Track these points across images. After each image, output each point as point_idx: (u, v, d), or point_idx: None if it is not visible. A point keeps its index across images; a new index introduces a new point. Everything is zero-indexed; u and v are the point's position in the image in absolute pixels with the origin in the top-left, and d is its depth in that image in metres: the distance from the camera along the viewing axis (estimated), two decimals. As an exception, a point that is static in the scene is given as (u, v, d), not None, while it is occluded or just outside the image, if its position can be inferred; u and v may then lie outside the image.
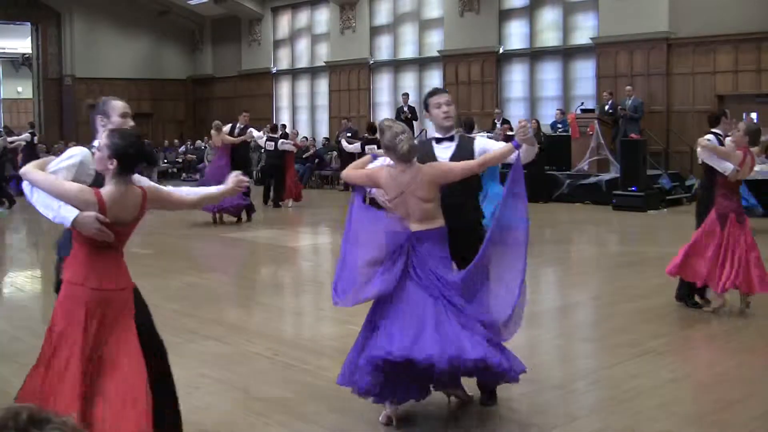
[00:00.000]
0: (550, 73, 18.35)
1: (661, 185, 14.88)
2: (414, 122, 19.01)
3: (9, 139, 17.94)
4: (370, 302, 4.15)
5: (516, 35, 18.80)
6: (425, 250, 4.02)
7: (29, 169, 3.30)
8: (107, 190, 3.26)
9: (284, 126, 23.45)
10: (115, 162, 3.23)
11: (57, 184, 3.25)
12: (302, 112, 24.45)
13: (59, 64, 25.34)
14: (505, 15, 18.89)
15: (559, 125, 16.75)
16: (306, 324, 6.92)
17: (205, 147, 22.28)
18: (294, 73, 24.47)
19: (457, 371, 3.92)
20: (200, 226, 13.79)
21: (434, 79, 20.46)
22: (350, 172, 4.30)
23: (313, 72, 23.82)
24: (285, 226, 13.65)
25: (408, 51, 21.20)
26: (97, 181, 3.38)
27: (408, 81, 21.15)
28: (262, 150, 17.25)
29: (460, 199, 4.32)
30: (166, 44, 26.90)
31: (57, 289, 3.41)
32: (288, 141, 16.21)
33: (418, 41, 20.90)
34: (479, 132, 16.87)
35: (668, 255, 10.11)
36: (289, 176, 15.73)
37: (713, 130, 6.80)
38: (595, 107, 16.11)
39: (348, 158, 19.29)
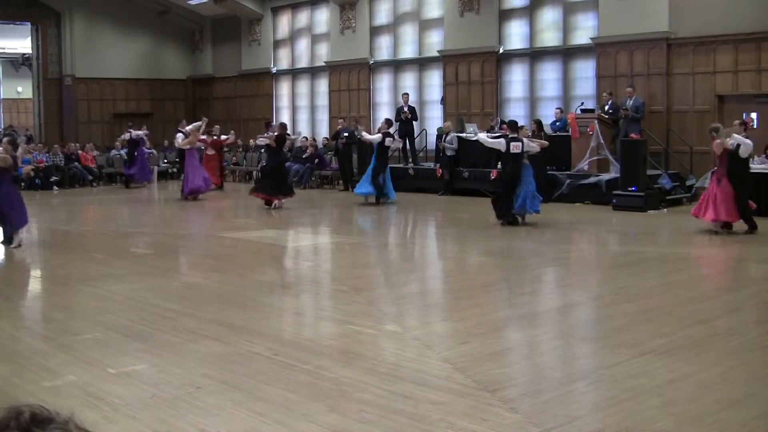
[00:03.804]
0: (550, 73, 18.35)
1: (661, 185, 14.87)
2: (414, 122, 19.04)
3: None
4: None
5: (516, 35, 18.80)
6: None
7: None
8: None
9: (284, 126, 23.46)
10: None
11: None
12: (302, 112, 24.45)
13: (59, 64, 25.33)
14: (505, 15, 18.89)
15: (558, 123, 16.77)
16: (306, 324, 6.92)
17: (204, 147, 22.27)
18: (294, 73, 24.47)
19: None
20: (199, 225, 13.80)
21: (434, 79, 20.48)
22: None
23: (313, 72, 23.83)
24: (285, 226, 13.65)
25: (408, 51, 21.20)
26: None
27: (408, 81, 21.14)
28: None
29: None
30: (166, 44, 26.90)
31: None
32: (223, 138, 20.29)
33: (418, 41, 20.90)
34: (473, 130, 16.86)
35: (668, 255, 10.16)
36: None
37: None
38: (595, 107, 16.11)
39: (345, 158, 19.32)
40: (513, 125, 12.71)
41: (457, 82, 19.59)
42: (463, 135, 17.46)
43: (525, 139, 12.30)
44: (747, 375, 5.07)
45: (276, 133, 15.35)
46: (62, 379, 5.08)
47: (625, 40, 16.39)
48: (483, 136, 13.26)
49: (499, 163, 16.76)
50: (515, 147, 12.08)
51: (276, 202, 15.01)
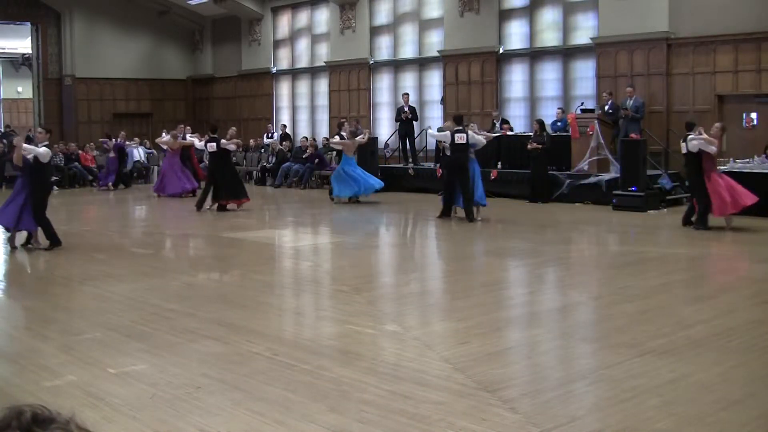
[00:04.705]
0: (550, 73, 18.35)
1: (661, 185, 14.87)
2: (414, 122, 19.04)
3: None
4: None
5: (516, 35, 18.80)
6: None
7: None
8: None
9: (284, 126, 23.49)
10: None
11: None
12: (302, 112, 24.45)
13: (59, 64, 25.33)
14: (505, 15, 18.89)
15: (559, 123, 16.77)
16: (306, 324, 6.92)
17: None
18: (294, 73, 24.47)
19: None
20: (199, 225, 13.79)
21: (434, 78, 20.48)
22: None
23: (313, 72, 23.82)
24: (285, 226, 13.66)
25: (408, 51, 21.20)
26: None
27: (408, 81, 21.15)
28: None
29: None
30: (166, 44, 26.90)
31: None
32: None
33: (418, 41, 20.90)
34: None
35: (668, 255, 10.16)
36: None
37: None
38: (595, 107, 16.11)
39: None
40: (458, 119, 13.35)
41: (457, 82, 19.59)
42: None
43: (470, 132, 13.11)
44: (747, 375, 5.07)
45: (237, 140, 16.31)
46: (62, 379, 5.08)
47: (625, 40, 16.40)
48: (431, 131, 14.16)
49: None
50: (459, 138, 12.82)
51: (233, 205, 15.05)
